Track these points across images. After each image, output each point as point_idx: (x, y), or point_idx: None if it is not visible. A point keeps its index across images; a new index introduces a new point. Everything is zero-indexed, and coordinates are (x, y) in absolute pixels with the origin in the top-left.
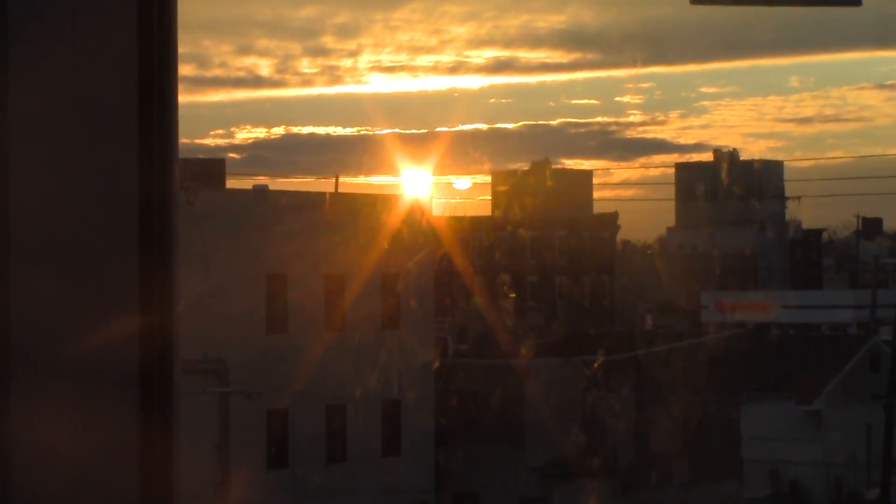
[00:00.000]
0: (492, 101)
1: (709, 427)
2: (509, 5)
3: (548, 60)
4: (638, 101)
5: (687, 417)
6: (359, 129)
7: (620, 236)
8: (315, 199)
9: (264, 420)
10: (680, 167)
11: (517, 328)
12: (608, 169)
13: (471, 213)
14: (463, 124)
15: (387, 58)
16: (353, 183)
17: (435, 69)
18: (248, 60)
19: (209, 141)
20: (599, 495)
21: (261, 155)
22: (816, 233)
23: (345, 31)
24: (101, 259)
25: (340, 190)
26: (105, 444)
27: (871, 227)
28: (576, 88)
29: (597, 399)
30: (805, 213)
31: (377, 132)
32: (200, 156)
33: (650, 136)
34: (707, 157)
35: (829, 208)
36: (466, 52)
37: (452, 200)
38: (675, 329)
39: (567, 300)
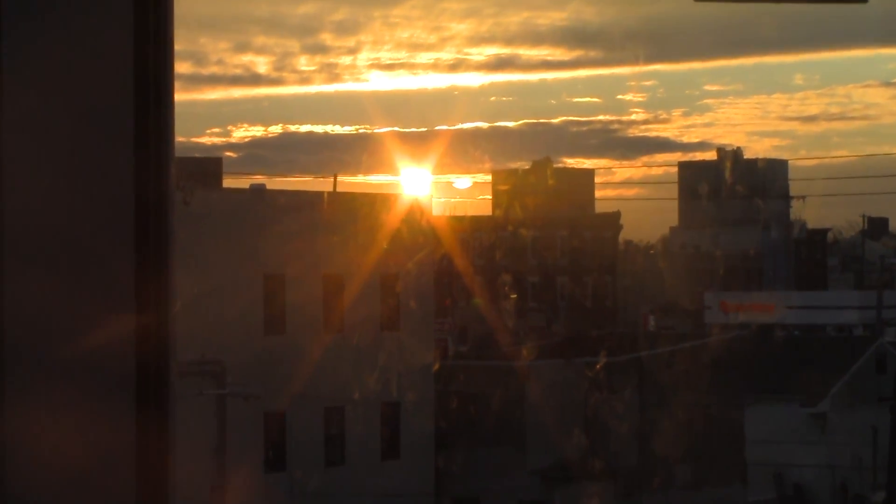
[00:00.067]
0: (492, 99)
1: (712, 430)
2: (510, 2)
3: (549, 58)
4: (640, 99)
5: (690, 420)
6: (358, 127)
7: (623, 236)
8: (313, 198)
9: (262, 422)
10: (683, 166)
11: (518, 329)
12: (610, 168)
13: (471, 212)
14: (463, 122)
15: (386, 55)
16: (352, 182)
17: (435, 67)
18: (246, 58)
19: (206, 139)
20: (601, 499)
21: (258, 154)
22: (821, 233)
23: (343, 29)
24: (96, 259)
25: (339, 189)
26: (101, 444)
27: (876, 226)
28: (577, 86)
29: (599, 401)
30: (810, 213)
31: (376, 131)
32: (197, 154)
33: (653, 134)
34: (710, 155)
35: (834, 208)
36: (467, 50)
37: (452, 200)
38: (679, 330)
39: (569, 301)
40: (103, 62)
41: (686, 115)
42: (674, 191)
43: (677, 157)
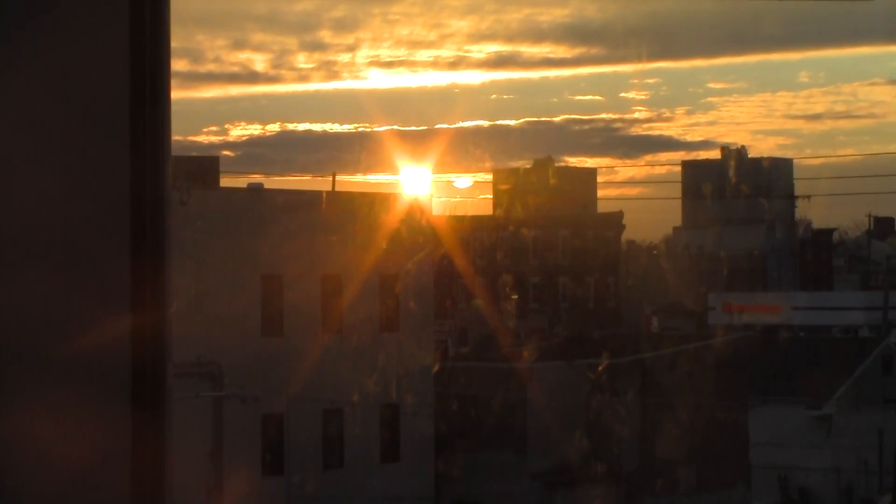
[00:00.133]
0: (493, 97)
1: (716, 432)
2: None
3: (551, 55)
4: (643, 97)
5: (694, 422)
6: (357, 125)
7: (625, 236)
8: (312, 197)
9: (259, 425)
10: (687, 165)
11: (519, 330)
12: (613, 167)
13: (472, 212)
14: (463, 121)
15: (385, 53)
16: (351, 181)
17: (435, 64)
18: (243, 55)
19: (202, 138)
20: (603, 503)
21: (256, 152)
22: (827, 233)
23: (342, 26)
24: (92, 259)
25: (338, 188)
26: (97, 444)
27: (883, 226)
28: (580, 84)
29: (601, 403)
30: (815, 213)
31: (375, 129)
32: (194, 153)
33: (656, 133)
34: (714, 154)
35: (839, 207)
36: (467, 47)
37: (453, 199)
38: (682, 331)
39: (570, 302)
40: (99, 60)
41: (689, 113)
42: (677, 190)
43: (681, 155)
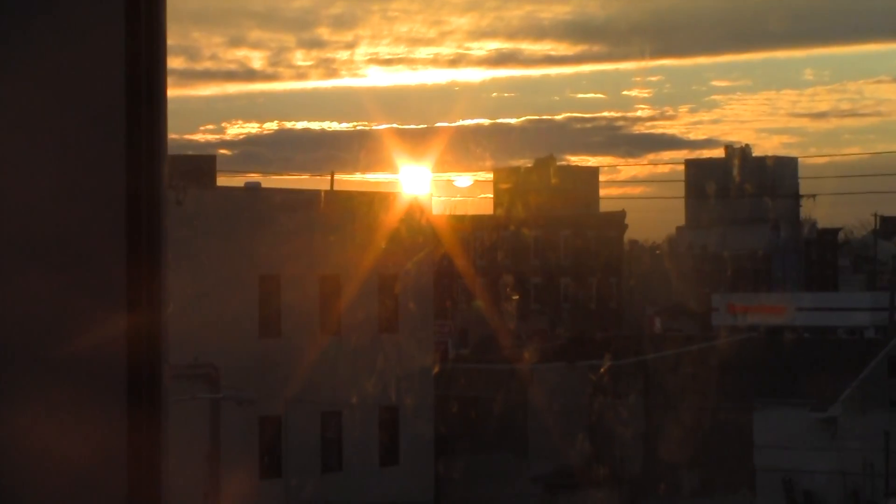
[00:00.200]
0: (494, 95)
1: (720, 435)
2: None
3: (552, 53)
4: (646, 95)
5: (697, 425)
6: (355, 124)
7: (628, 236)
8: (310, 197)
9: (257, 427)
10: (690, 164)
11: (520, 331)
12: (615, 166)
13: (472, 211)
14: (464, 119)
15: (384, 50)
16: (350, 180)
17: (435, 62)
18: (240, 52)
19: (199, 137)
20: None
21: (253, 151)
22: (832, 232)
23: (341, 22)
24: (87, 259)
25: (336, 188)
26: (92, 446)
27: (889, 226)
28: (581, 82)
29: (603, 406)
30: (820, 212)
31: (374, 127)
32: (190, 152)
33: (659, 131)
34: (718, 153)
35: (845, 207)
36: (467, 44)
37: (453, 199)
38: (685, 333)
39: (572, 302)
40: (94, 58)
41: (693, 111)
42: (680, 189)
43: (684, 154)
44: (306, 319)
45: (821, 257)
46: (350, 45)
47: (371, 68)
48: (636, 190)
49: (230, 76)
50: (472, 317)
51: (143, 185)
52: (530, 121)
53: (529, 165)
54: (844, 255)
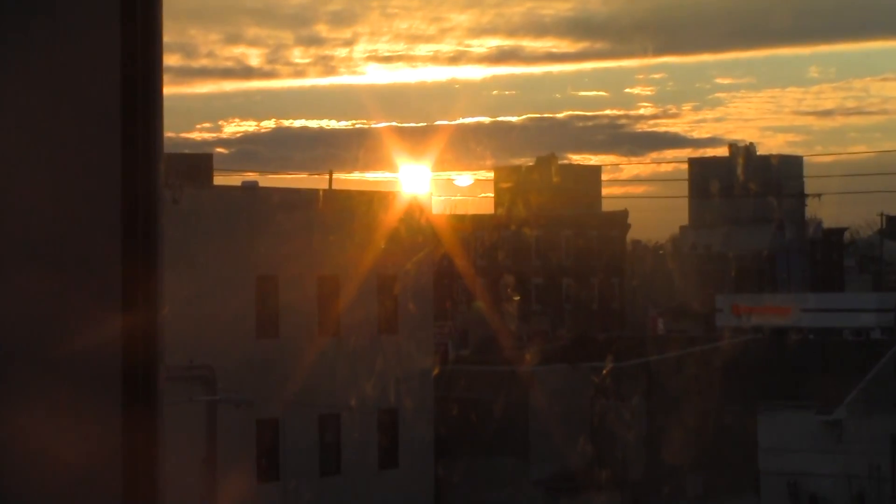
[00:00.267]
0: (494, 92)
1: (724, 437)
2: None
3: (554, 50)
4: (649, 92)
5: (701, 427)
6: (354, 122)
7: (630, 236)
8: (308, 196)
9: (254, 430)
10: (693, 163)
11: (521, 333)
12: (617, 164)
13: (472, 211)
14: (464, 117)
15: (384, 47)
16: (349, 179)
17: (434, 59)
18: (237, 50)
19: (196, 135)
20: None
21: (250, 150)
22: (838, 232)
23: (339, 19)
24: (83, 259)
25: (335, 187)
26: (88, 445)
27: (895, 225)
28: (583, 79)
29: (605, 408)
30: (826, 212)
31: (373, 126)
32: (186, 151)
33: (662, 129)
34: (722, 151)
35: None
36: (468, 41)
37: (453, 198)
38: (689, 334)
39: (574, 303)
40: (90, 56)
41: (696, 109)
42: (684, 188)
43: (687, 153)
44: (304, 320)
45: (826, 257)
46: (349, 42)
47: (370, 66)
48: (639, 189)
49: (227, 74)
50: (473, 318)
51: (140, 185)
52: (531, 119)
53: (531, 164)
54: (850, 255)
